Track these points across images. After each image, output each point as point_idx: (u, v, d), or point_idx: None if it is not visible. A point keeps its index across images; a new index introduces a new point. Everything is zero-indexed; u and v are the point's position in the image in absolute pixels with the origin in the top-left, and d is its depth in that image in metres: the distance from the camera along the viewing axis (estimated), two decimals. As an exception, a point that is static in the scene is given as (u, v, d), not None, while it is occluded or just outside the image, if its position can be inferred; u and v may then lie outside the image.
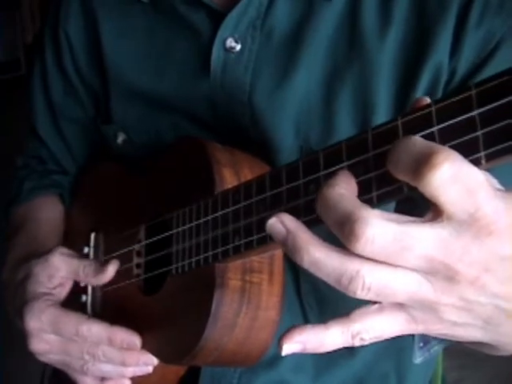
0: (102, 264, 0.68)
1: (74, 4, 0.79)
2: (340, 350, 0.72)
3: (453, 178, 0.33)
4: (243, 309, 0.58)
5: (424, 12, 0.60)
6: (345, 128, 0.63)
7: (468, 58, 0.60)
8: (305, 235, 0.38)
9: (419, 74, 0.60)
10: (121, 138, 0.78)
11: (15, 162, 0.92)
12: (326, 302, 0.70)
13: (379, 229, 0.35)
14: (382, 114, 0.62)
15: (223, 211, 0.54)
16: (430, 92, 0.61)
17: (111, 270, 0.68)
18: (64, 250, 0.70)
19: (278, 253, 0.60)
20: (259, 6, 0.65)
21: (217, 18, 0.66)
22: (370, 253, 0.35)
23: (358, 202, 0.36)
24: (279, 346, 0.40)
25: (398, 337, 0.64)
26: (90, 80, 0.81)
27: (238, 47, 0.66)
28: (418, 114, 0.37)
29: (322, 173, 0.43)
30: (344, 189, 0.37)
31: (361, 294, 0.37)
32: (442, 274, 0.36)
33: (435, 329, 0.40)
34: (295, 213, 0.45)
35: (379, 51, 0.61)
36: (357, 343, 0.40)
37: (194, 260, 0.58)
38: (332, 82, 0.63)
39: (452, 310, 0.38)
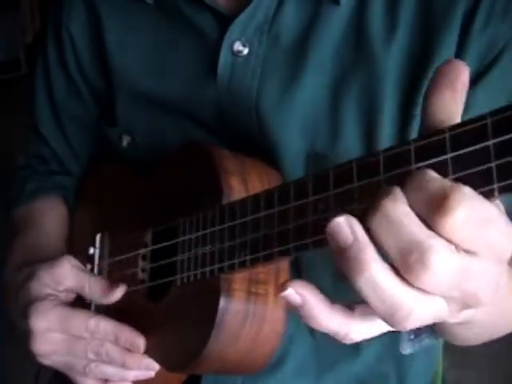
0: (110, 285, 0.67)
1: (77, 3, 0.79)
2: (343, 351, 0.72)
3: (465, 220, 0.32)
4: (248, 320, 0.58)
5: (429, 17, 0.60)
6: (351, 133, 0.63)
7: (471, 65, 0.59)
8: (371, 250, 0.35)
9: (424, 79, 0.60)
10: (125, 141, 0.78)
11: (16, 162, 0.91)
12: None
13: (448, 261, 0.33)
14: (387, 119, 0.62)
15: (230, 223, 0.53)
16: None
17: (118, 293, 0.67)
18: (72, 259, 0.68)
19: (284, 265, 0.60)
20: (267, 10, 0.64)
21: (224, 21, 0.66)
22: (433, 284, 0.33)
23: (424, 228, 0.34)
24: (283, 286, 0.39)
25: (399, 338, 0.65)
26: (93, 80, 0.81)
27: (246, 51, 0.65)
28: (432, 139, 0.36)
29: (332, 192, 0.42)
30: (408, 206, 0.34)
31: (408, 328, 0.35)
32: (466, 303, 0.35)
33: None
34: (302, 232, 0.44)
35: (385, 56, 0.61)
36: (344, 341, 0.39)
37: (199, 272, 0.58)
38: (338, 86, 0.63)
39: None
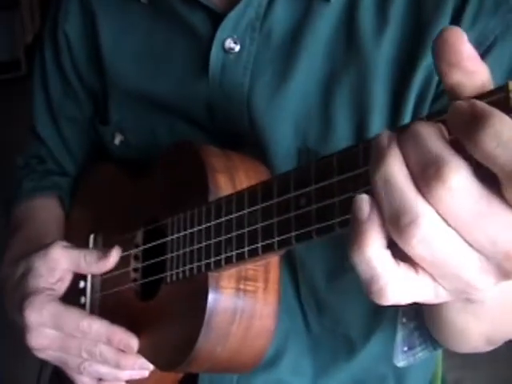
0: (104, 251, 0.68)
1: (73, 4, 0.79)
2: (339, 351, 0.72)
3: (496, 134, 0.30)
4: (237, 318, 0.58)
5: (419, 13, 0.60)
6: (342, 129, 0.63)
7: None
8: (395, 152, 0.34)
9: (413, 74, 0.60)
10: (118, 139, 0.78)
11: (16, 162, 0.92)
12: (324, 304, 0.70)
13: (467, 183, 0.31)
14: (378, 115, 0.62)
15: (216, 221, 0.54)
16: (423, 91, 0.60)
17: (114, 255, 0.67)
18: (64, 242, 0.69)
19: (274, 261, 0.60)
20: (258, 7, 0.64)
21: (216, 19, 0.66)
22: (447, 203, 0.32)
23: (449, 149, 0.32)
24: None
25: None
26: (88, 80, 0.82)
27: (237, 48, 0.65)
28: None
29: (313, 187, 0.42)
30: (437, 128, 0.33)
31: (410, 244, 0.33)
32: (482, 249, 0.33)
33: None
34: (286, 226, 0.45)
35: (375, 52, 0.61)
36: (375, 293, 0.35)
37: (187, 268, 0.58)
38: (330, 82, 0.63)
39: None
